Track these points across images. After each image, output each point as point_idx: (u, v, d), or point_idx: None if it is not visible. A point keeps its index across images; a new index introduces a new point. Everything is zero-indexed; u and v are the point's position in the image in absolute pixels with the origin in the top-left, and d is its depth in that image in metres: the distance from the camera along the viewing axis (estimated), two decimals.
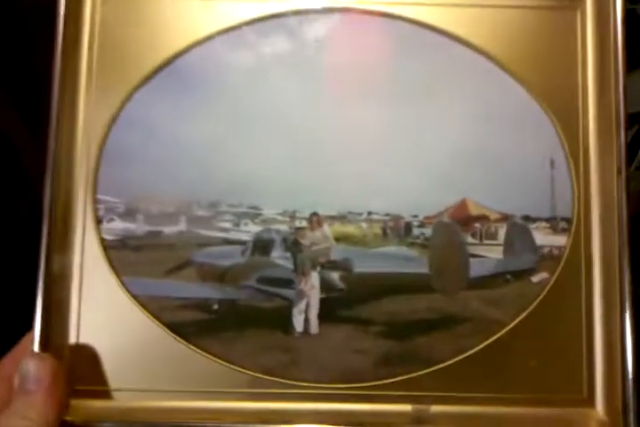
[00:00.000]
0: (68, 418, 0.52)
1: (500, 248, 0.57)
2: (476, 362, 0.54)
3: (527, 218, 0.56)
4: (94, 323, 0.55)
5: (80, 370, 0.54)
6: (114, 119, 0.57)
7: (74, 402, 0.53)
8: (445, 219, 0.56)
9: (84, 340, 0.55)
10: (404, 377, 0.54)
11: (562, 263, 0.55)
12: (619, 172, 0.53)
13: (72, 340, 0.55)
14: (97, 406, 0.54)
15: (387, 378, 0.54)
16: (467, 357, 0.54)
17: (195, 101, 0.57)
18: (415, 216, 0.56)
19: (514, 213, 0.56)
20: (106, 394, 0.54)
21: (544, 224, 0.56)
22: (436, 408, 0.53)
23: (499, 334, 0.54)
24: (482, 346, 0.54)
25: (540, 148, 0.56)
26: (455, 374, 0.54)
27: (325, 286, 0.56)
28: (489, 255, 0.57)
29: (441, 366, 0.54)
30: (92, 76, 0.57)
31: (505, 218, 0.56)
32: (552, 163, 0.56)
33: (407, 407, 0.53)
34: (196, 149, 0.57)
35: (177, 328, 0.55)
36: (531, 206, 0.56)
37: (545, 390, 0.54)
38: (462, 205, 0.56)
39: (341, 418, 0.53)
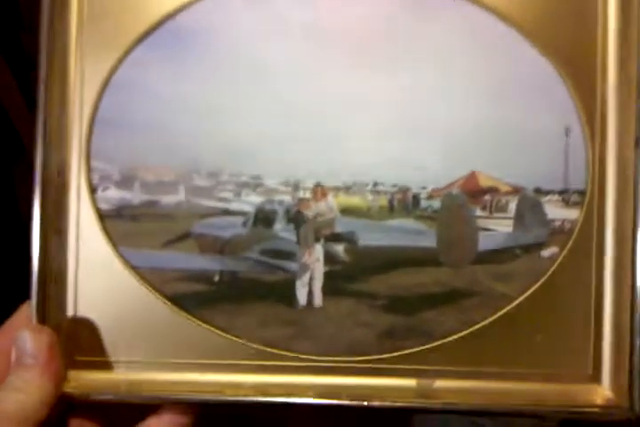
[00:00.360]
0: (67, 390, 0.51)
1: (510, 222, 0.55)
2: (482, 337, 0.53)
3: (539, 190, 0.54)
4: (92, 294, 0.54)
5: (79, 341, 0.54)
6: (106, 83, 0.54)
7: (73, 373, 0.53)
8: (455, 191, 0.54)
9: (82, 311, 0.54)
10: (409, 351, 0.53)
11: (573, 238, 0.53)
12: (636, 143, 0.51)
13: (70, 311, 0.54)
14: (96, 377, 0.53)
15: (391, 352, 0.53)
16: (473, 331, 0.53)
17: (188, 64, 0.54)
18: (423, 188, 0.55)
19: (525, 185, 0.54)
20: (105, 365, 0.54)
21: (556, 197, 0.54)
22: (440, 383, 0.53)
23: (506, 309, 0.53)
24: (489, 321, 0.53)
25: (554, 116, 0.53)
26: (461, 348, 0.53)
27: (329, 258, 0.55)
28: (498, 229, 0.56)
29: (447, 340, 0.53)
30: (81, 39, 0.55)
31: (516, 190, 0.55)
32: (567, 132, 0.53)
33: (412, 382, 0.53)
34: (194, 115, 0.54)
35: (177, 300, 0.54)
36: (543, 178, 0.54)
37: (551, 365, 0.53)
38: (472, 176, 0.54)
39: (345, 391, 0.52)
